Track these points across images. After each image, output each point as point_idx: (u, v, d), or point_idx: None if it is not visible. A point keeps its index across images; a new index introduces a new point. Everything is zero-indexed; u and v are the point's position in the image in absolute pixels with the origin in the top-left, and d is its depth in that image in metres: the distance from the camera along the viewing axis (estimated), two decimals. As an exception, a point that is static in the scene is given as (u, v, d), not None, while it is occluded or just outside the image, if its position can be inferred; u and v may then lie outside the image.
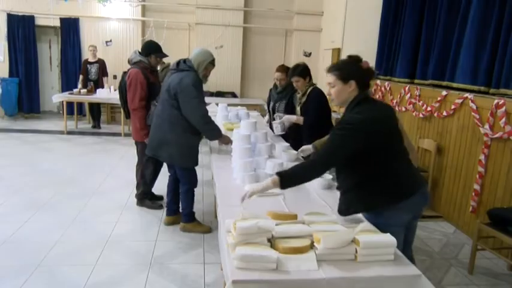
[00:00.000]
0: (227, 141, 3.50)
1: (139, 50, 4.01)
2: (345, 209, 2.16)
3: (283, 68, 4.28)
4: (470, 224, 3.97)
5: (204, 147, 4.83)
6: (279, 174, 2.05)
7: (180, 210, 3.77)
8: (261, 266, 1.63)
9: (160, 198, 4.43)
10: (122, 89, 4.10)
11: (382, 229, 1.92)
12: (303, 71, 3.78)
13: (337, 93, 2.12)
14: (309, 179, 2.13)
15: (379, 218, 2.06)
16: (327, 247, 1.72)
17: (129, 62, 4.00)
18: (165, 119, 3.42)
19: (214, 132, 3.48)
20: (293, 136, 3.93)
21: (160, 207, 4.24)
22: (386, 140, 2.06)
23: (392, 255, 1.78)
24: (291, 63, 9.21)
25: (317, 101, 3.73)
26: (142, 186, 4.24)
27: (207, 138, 3.62)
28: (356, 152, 2.00)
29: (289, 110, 4.14)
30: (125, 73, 4.06)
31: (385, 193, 2.06)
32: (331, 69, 2.15)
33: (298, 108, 3.92)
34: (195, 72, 3.37)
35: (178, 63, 3.43)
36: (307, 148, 3.06)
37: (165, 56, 4.09)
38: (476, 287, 3.12)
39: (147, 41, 4.19)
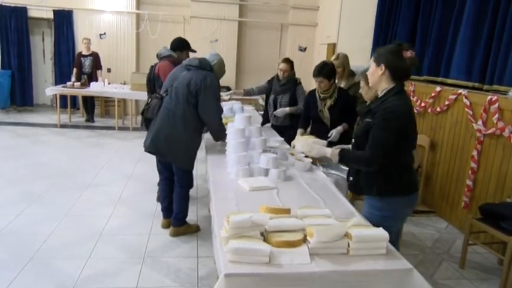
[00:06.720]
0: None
1: (168, 46, 4.17)
2: (366, 186, 2.20)
3: (288, 60, 4.36)
4: (462, 219, 4.00)
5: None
6: (341, 149, 2.21)
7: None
8: (253, 260, 1.63)
9: None
10: (151, 82, 4.18)
11: (385, 220, 2.05)
12: (329, 72, 3.55)
13: (369, 74, 2.18)
14: (357, 166, 2.19)
15: (386, 209, 2.17)
16: (320, 241, 1.72)
17: (157, 56, 4.13)
18: (178, 115, 3.28)
19: (223, 134, 3.37)
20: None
21: None
22: (412, 132, 2.16)
23: (384, 249, 1.79)
24: (286, 58, 9.27)
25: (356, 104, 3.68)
26: None
27: (215, 139, 3.58)
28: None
29: (293, 103, 4.27)
30: (152, 67, 4.18)
31: (402, 182, 2.16)
32: (374, 52, 2.20)
33: (325, 110, 3.66)
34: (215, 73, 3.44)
35: (199, 60, 3.42)
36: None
37: (194, 51, 4.22)
38: (467, 281, 3.16)
39: (179, 37, 4.35)
